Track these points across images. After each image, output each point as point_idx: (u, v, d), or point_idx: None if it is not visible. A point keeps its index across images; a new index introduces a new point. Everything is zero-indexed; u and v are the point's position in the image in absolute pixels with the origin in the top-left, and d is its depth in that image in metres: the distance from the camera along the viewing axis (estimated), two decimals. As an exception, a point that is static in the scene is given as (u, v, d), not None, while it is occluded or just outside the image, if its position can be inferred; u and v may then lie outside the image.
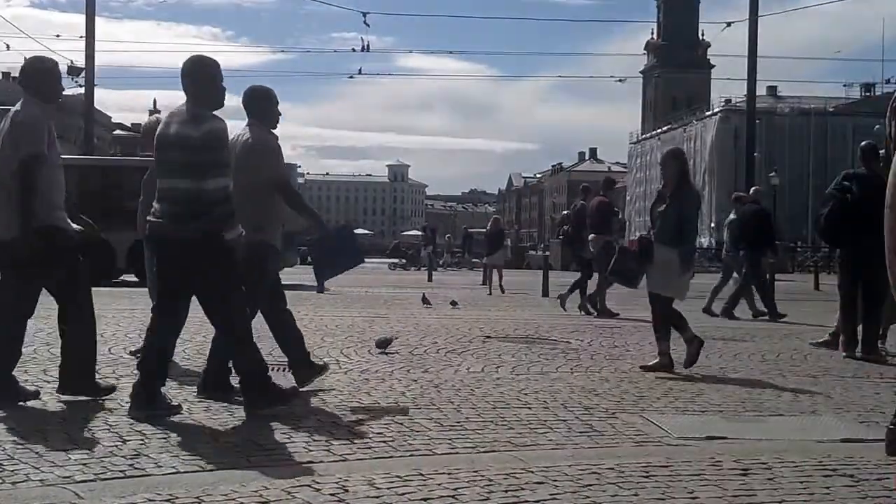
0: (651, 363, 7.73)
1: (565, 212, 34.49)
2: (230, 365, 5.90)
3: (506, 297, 19.29)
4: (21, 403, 5.51)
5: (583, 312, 13.65)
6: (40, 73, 6.01)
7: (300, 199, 6.51)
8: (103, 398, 5.70)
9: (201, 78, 5.47)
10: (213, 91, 5.48)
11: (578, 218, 14.32)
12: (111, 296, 16.16)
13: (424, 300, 14.76)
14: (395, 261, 42.37)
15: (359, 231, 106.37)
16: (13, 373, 5.76)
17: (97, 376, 6.06)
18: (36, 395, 5.74)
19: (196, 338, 9.08)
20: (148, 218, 5.62)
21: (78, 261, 5.91)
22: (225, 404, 5.61)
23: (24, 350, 7.71)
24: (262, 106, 6.25)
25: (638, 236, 7.68)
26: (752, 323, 12.85)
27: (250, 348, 5.50)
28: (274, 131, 6.28)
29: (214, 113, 5.40)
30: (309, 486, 3.82)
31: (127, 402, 5.55)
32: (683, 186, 7.90)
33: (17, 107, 5.83)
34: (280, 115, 6.36)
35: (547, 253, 21.25)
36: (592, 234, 13.65)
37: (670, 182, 7.90)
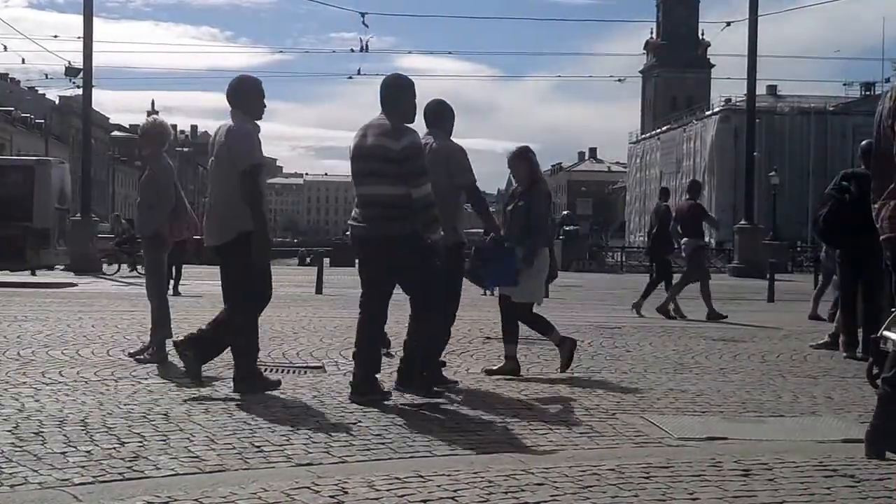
0: (496, 367, 7.31)
1: (565, 212, 34.39)
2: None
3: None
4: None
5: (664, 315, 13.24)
6: (249, 92, 6.44)
7: (484, 203, 7.14)
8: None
9: (405, 94, 6.16)
10: (411, 107, 6.20)
11: (663, 220, 14.16)
12: (109, 297, 16.16)
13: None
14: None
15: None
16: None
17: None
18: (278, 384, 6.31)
19: (195, 339, 9.07)
20: (349, 222, 6.33)
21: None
22: (224, 406, 5.60)
23: (21, 352, 7.75)
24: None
25: (491, 236, 7.28)
26: (754, 324, 12.83)
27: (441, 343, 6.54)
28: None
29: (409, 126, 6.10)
30: (308, 488, 3.80)
31: (126, 404, 5.56)
32: (534, 184, 7.50)
33: (230, 123, 6.31)
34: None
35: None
36: (685, 238, 13.57)
37: (522, 181, 7.53)
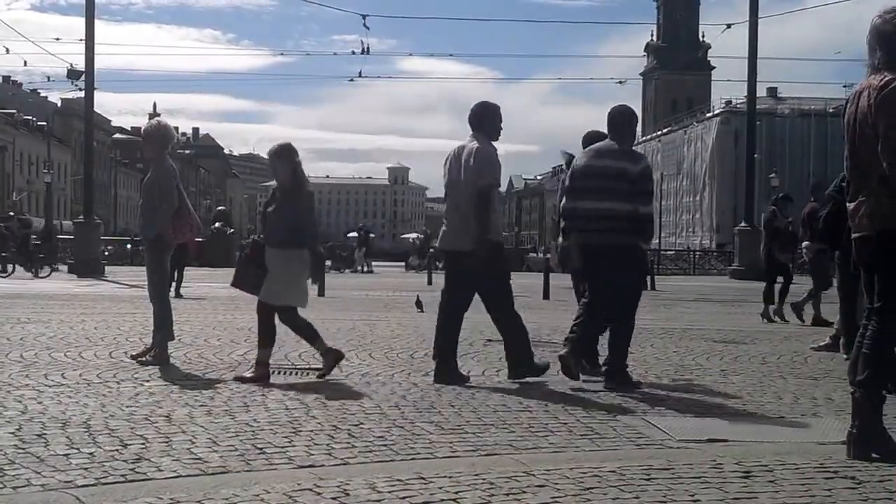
0: (247, 374, 6.85)
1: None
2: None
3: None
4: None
5: (779, 319, 13.08)
6: (489, 115, 7.25)
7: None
8: (540, 376, 7.02)
9: (632, 124, 7.29)
10: (632, 133, 7.33)
11: (769, 225, 13.88)
12: (111, 300, 16.18)
13: (419, 304, 14.19)
14: (329, 263, 42.88)
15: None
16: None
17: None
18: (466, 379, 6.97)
19: (197, 341, 9.11)
20: (581, 232, 7.06)
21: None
22: (226, 408, 5.61)
23: (24, 354, 7.77)
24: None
25: (251, 239, 7.16)
26: (754, 325, 12.84)
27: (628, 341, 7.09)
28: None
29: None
30: (310, 489, 3.81)
31: (128, 406, 5.57)
32: (296, 185, 7.14)
33: (474, 143, 7.05)
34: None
35: (548, 255, 21.17)
36: (806, 241, 13.46)
37: (284, 181, 7.14)
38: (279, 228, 7.04)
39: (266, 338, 7.10)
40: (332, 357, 7.18)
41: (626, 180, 6.76)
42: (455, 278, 7.28)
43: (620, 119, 7.14)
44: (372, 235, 44.44)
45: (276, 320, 7.20)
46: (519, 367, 7.07)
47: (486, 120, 7.21)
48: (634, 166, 6.85)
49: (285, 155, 7.16)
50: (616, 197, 6.76)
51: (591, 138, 7.60)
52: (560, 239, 7.81)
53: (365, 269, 36.87)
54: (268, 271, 7.05)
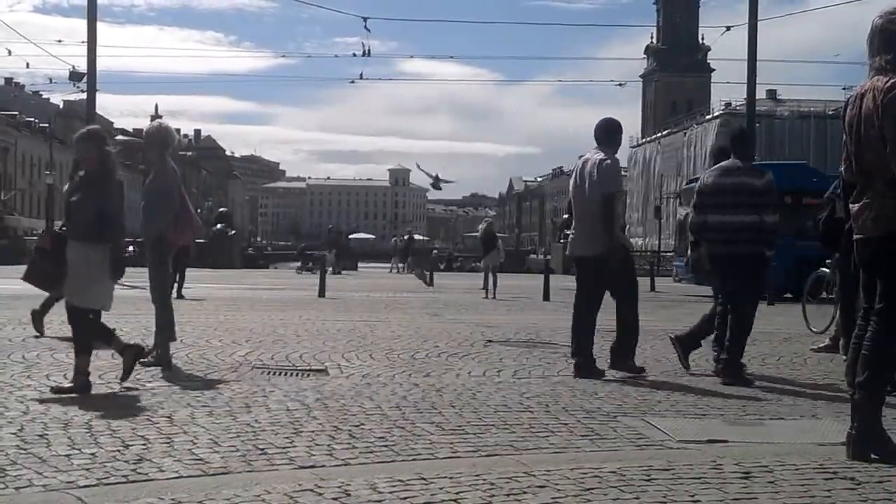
0: (65, 384, 6.29)
1: (566, 216, 33.80)
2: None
3: (507, 301, 19.31)
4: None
5: None
6: (611, 131, 7.92)
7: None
8: (639, 374, 7.60)
9: (753, 142, 8.53)
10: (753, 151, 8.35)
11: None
12: (113, 300, 16.19)
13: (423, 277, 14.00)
14: (298, 264, 43.13)
15: (360, 235, 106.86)
16: None
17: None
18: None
19: (198, 342, 9.12)
20: (711, 242, 7.78)
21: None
22: (227, 409, 5.62)
23: (26, 355, 7.79)
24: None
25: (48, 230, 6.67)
26: (754, 326, 12.81)
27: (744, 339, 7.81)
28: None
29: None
30: (311, 490, 3.82)
31: (130, 406, 5.57)
32: (103, 172, 6.53)
33: (598, 155, 7.68)
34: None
35: (548, 257, 21.22)
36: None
37: (89, 166, 6.55)
38: (82, 220, 6.43)
39: (84, 344, 6.50)
40: (132, 353, 6.64)
41: (753, 194, 7.54)
42: (585, 281, 7.90)
43: (741, 137, 8.13)
44: (355, 236, 44.79)
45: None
46: (622, 359, 7.74)
47: (609, 135, 7.87)
48: (759, 181, 7.58)
49: (92, 139, 6.63)
50: (743, 210, 7.53)
51: (718, 152, 8.62)
52: (689, 251, 8.58)
53: (335, 270, 36.71)
54: (69, 267, 6.50)
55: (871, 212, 4.53)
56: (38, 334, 9.51)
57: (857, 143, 4.62)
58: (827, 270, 12.23)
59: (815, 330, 11.89)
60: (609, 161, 7.64)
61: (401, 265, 43.68)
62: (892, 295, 4.51)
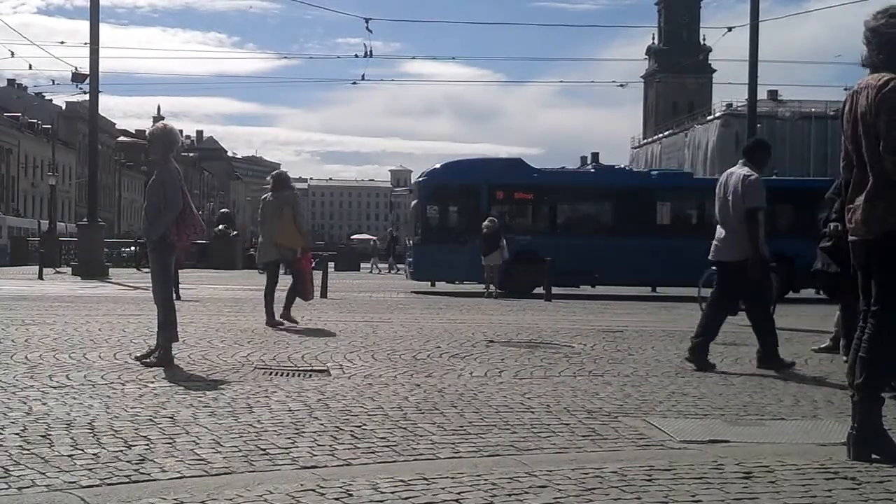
0: None
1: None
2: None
3: (509, 301, 19.31)
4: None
5: None
6: (760, 150, 8.65)
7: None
8: (789, 369, 8.08)
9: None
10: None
11: None
12: (115, 301, 16.21)
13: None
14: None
15: (363, 236, 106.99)
16: None
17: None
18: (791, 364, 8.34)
19: (200, 343, 9.14)
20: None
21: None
22: (230, 409, 5.63)
23: (29, 356, 7.80)
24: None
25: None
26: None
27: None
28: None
29: None
30: (313, 490, 3.83)
31: (132, 406, 5.59)
32: None
33: (743, 170, 8.37)
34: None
35: (548, 259, 21.21)
36: None
37: None
38: None
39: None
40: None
41: None
42: (724, 283, 8.47)
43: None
44: (357, 237, 45.10)
45: None
46: (770, 359, 8.22)
47: (757, 154, 8.56)
48: None
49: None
50: None
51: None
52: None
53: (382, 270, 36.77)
54: None
55: (864, 212, 4.54)
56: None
57: (854, 141, 4.63)
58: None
59: None
60: (753, 177, 8.24)
61: (381, 266, 43.51)
62: (888, 295, 4.51)
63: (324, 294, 18.52)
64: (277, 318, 11.44)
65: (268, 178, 12.48)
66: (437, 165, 26.26)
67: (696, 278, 21.76)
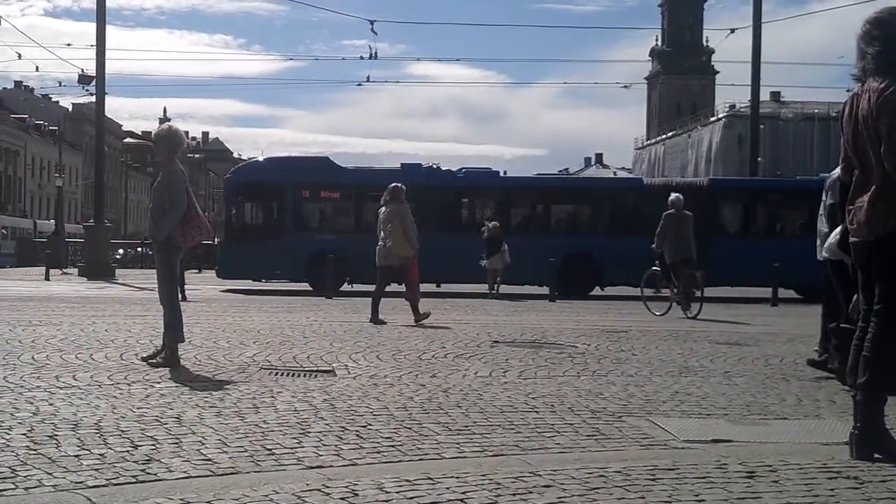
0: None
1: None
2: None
3: (513, 302, 19.33)
4: None
5: None
6: None
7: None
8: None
9: None
10: None
11: None
12: (121, 302, 16.26)
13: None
14: None
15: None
16: None
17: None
18: None
19: (206, 343, 9.16)
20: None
21: None
22: (235, 409, 5.65)
23: (36, 356, 7.83)
24: None
25: None
26: (758, 327, 12.87)
27: None
28: None
29: None
30: (319, 490, 3.84)
31: (139, 407, 5.62)
32: None
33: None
34: None
35: (552, 259, 21.23)
36: None
37: None
38: None
39: None
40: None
41: None
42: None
43: None
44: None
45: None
46: None
47: None
48: None
49: None
50: None
51: None
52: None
53: None
54: None
55: (866, 214, 4.55)
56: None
57: (855, 144, 4.64)
58: (658, 269, 15.68)
59: (657, 314, 15.09)
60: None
61: None
62: (891, 295, 4.53)
63: (329, 295, 18.55)
64: (380, 317, 12.66)
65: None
66: (246, 163, 26.45)
67: (511, 276, 22.57)
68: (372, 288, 13.40)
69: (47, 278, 25.81)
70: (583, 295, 21.66)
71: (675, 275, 15.32)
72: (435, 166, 26.33)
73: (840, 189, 4.89)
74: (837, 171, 7.91)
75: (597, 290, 23.71)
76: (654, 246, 15.58)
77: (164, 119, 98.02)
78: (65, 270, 32.74)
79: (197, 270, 30.92)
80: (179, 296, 9.04)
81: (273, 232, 23.65)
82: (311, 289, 22.35)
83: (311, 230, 23.73)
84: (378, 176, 27.02)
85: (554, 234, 24.40)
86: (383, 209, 13.58)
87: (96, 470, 4.15)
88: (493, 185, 25.54)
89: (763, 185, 26.36)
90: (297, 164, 26.35)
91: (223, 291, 21.20)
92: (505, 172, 26.23)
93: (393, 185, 13.82)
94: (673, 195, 15.84)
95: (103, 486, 3.92)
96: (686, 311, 14.99)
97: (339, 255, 22.11)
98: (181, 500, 3.70)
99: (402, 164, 26.84)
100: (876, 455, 4.45)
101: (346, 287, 21.99)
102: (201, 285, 22.89)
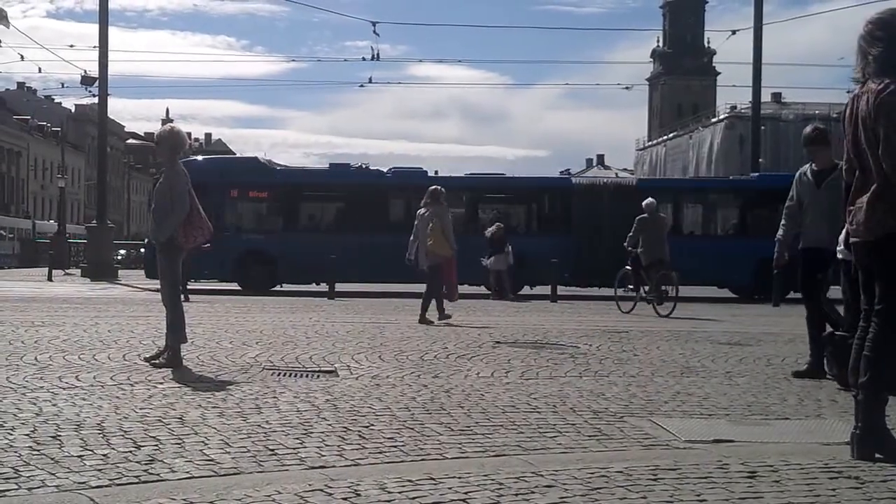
0: None
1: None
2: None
3: (515, 303, 19.34)
4: None
5: None
6: None
7: None
8: None
9: None
10: None
11: None
12: (124, 302, 16.28)
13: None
14: None
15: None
16: None
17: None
18: None
19: (209, 344, 9.18)
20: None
21: None
22: (238, 410, 5.67)
23: (39, 357, 7.85)
24: None
25: None
26: (759, 327, 12.87)
27: None
28: None
29: None
30: (321, 490, 3.85)
31: (141, 407, 5.63)
32: None
33: None
34: None
35: (554, 260, 21.23)
36: None
37: None
38: None
39: None
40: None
41: None
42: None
43: None
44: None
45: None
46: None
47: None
48: None
49: None
50: None
51: None
52: None
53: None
54: None
55: (865, 215, 4.56)
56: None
57: (856, 145, 4.65)
58: (629, 268, 16.62)
59: (624, 311, 15.98)
60: None
61: None
62: (891, 295, 4.54)
63: (331, 296, 18.57)
64: (424, 316, 13.05)
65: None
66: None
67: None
68: (302, 287, 13.40)
69: (50, 279, 25.84)
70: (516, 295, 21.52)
71: (649, 275, 16.22)
72: (364, 166, 26.49)
73: (845, 188, 4.89)
74: (807, 167, 7.96)
75: (598, 291, 23.73)
76: (626, 244, 16.62)
77: (167, 120, 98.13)
78: (67, 271, 32.77)
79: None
80: (182, 296, 9.05)
81: None
82: (240, 288, 22.65)
83: (239, 230, 23.90)
84: (306, 176, 26.99)
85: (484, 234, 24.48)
86: (422, 211, 13.99)
87: (99, 470, 4.16)
88: (422, 184, 25.70)
89: (690, 186, 26.23)
90: (227, 165, 26.89)
91: (150, 291, 21.12)
92: (437, 172, 26.08)
93: (433, 187, 14.24)
94: (647, 200, 16.76)
95: (106, 486, 3.93)
96: (658, 309, 15.72)
97: (267, 255, 22.38)
98: (184, 500, 3.70)
99: (330, 165, 26.91)
100: (877, 455, 4.46)
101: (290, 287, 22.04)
102: (207, 286, 22.92)
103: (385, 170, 25.73)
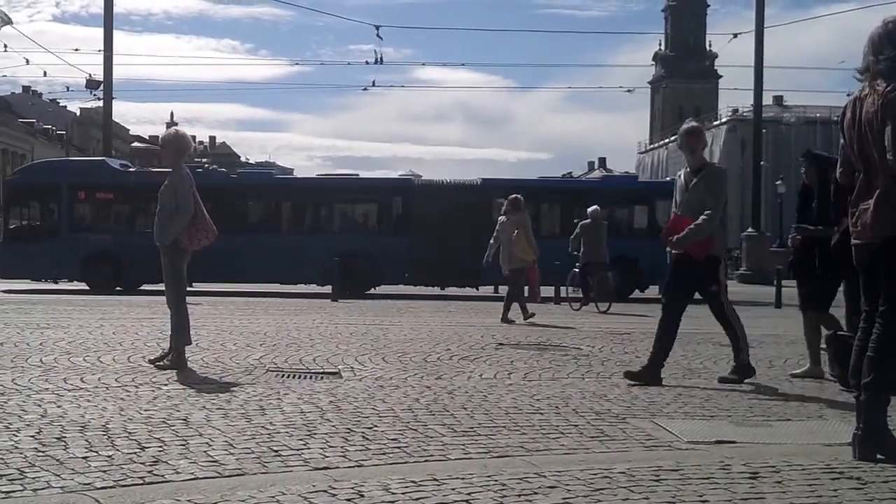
0: None
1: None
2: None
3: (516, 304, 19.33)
4: None
5: None
6: None
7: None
8: None
9: None
10: None
11: None
12: (129, 305, 16.29)
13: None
14: None
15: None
16: None
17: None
18: None
19: (213, 345, 9.20)
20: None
21: None
22: (242, 411, 5.68)
23: (44, 359, 7.87)
24: None
25: None
26: (761, 329, 12.86)
27: None
28: None
29: None
30: (325, 491, 3.86)
31: (146, 409, 5.65)
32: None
33: None
34: None
35: (556, 262, 21.19)
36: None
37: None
38: None
39: None
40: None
41: None
42: None
43: None
44: None
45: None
46: None
47: None
48: None
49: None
50: None
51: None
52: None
53: None
54: None
55: (872, 218, 4.56)
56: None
57: (861, 147, 4.65)
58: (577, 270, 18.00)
59: (574, 308, 17.38)
60: None
61: None
62: (894, 296, 4.54)
63: (335, 298, 18.55)
64: (507, 317, 13.73)
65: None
66: (28, 165, 27.00)
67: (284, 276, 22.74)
68: (154, 287, 13.33)
69: (56, 282, 25.79)
70: (359, 295, 21.54)
71: (590, 276, 17.71)
72: (212, 168, 26.64)
73: (834, 191, 4.89)
74: (681, 172, 7.89)
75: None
76: (570, 249, 17.99)
77: (172, 123, 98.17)
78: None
79: None
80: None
81: (50, 232, 24.18)
82: (87, 288, 22.82)
83: (85, 231, 24.09)
84: (151, 177, 27.00)
85: (330, 234, 24.47)
86: (503, 218, 14.69)
87: (104, 471, 4.17)
88: (268, 184, 26.04)
89: (534, 185, 25.91)
90: (74, 166, 27.40)
91: (4, 292, 21.11)
92: (293, 171, 26.41)
93: (513, 195, 14.83)
94: (592, 207, 17.89)
95: (111, 487, 3.94)
96: (598, 307, 17.12)
97: (112, 256, 22.78)
98: (188, 501, 3.72)
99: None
100: (879, 456, 4.47)
101: (149, 286, 21.93)
102: (210, 287, 22.94)
103: (238, 172, 26.05)
